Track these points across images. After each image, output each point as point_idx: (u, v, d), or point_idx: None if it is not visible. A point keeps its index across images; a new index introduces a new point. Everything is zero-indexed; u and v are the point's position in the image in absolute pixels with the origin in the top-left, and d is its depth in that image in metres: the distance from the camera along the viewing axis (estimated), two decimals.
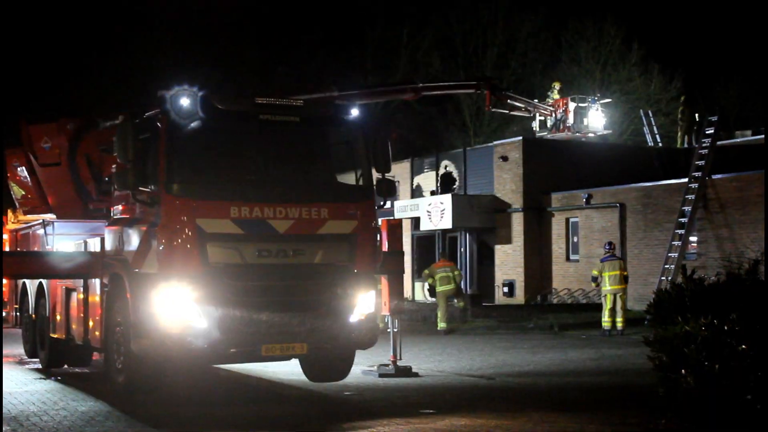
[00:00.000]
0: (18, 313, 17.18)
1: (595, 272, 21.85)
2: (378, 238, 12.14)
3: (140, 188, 11.14)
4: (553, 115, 33.63)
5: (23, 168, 15.39)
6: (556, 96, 34.33)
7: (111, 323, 12.01)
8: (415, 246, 34.11)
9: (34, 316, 15.95)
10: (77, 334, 13.71)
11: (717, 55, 52.21)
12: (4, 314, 17.68)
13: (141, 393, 11.62)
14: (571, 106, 33.43)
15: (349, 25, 49.01)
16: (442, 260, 24.13)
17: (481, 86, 30.22)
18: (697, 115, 33.39)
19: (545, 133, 33.73)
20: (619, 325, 21.24)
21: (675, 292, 9.38)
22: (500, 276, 31.00)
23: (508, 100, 31.73)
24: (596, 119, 33.93)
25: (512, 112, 33.99)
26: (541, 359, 16.48)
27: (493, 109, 33.44)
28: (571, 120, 33.23)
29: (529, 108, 33.40)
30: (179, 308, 10.75)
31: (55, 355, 15.18)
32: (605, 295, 21.46)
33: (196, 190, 11.00)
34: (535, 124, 34.53)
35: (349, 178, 12.22)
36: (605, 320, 21.40)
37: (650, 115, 37.56)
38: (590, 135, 34.04)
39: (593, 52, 47.66)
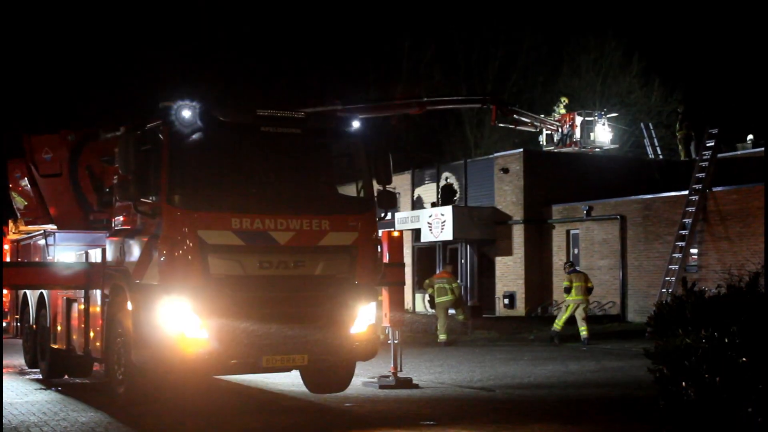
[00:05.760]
0: (18, 324, 17.19)
1: (566, 283, 22.26)
2: (379, 250, 12.16)
3: (141, 199, 11.14)
4: (560, 130, 33.58)
5: (25, 179, 15.45)
6: (563, 111, 34.29)
7: (112, 334, 12.02)
8: (416, 258, 34.10)
9: (34, 326, 15.96)
10: (78, 345, 13.71)
11: (719, 68, 52.30)
12: (4, 324, 17.68)
13: (142, 404, 11.61)
14: (578, 120, 33.36)
15: (350, 38, 49.16)
16: (442, 271, 24.24)
17: (487, 101, 30.27)
18: (691, 130, 33.42)
19: (552, 148, 33.70)
20: (583, 333, 21.81)
21: (676, 305, 9.38)
22: (501, 288, 30.98)
23: (514, 115, 31.70)
24: (603, 134, 33.91)
25: (518, 127, 33.94)
26: (542, 371, 16.46)
27: (500, 125, 33.39)
28: (578, 135, 33.17)
29: (535, 123, 33.34)
30: (180, 319, 10.75)
31: (56, 366, 15.18)
32: (568, 305, 22.09)
33: (197, 202, 11.01)
34: (542, 139, 34.49)
35: (350, 190, 12.24)
36: (557, 323, 22.28)
37: (650, 127, 37.57)
38: (597, 150, 34.03)
39: (594, 64, 47.72)
